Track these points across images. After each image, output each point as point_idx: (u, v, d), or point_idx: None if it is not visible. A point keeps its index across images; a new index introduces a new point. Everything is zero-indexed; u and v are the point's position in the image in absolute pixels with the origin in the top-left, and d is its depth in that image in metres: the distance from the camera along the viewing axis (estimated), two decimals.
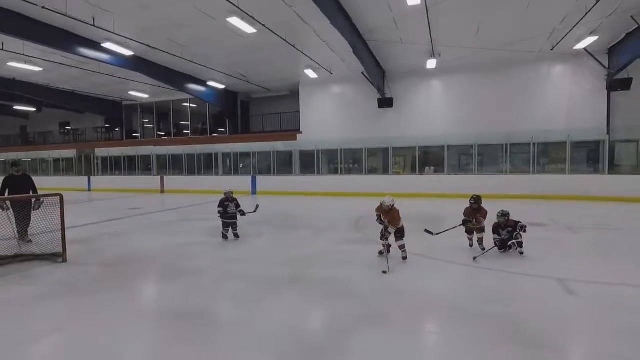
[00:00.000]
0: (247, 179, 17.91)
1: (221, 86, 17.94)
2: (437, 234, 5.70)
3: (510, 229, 5.58)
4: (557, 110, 13.93)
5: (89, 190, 21.51)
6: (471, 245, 5.96)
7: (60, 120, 25.89)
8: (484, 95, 14.82)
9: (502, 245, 5.60)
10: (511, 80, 14.49)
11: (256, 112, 20.72)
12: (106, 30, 10.93)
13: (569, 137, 13.37)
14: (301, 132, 17.87)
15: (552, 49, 12.76)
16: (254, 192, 17.82)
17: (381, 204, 5.30)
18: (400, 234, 5.32)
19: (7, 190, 6.70)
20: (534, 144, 13.89)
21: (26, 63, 14.16)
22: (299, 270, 5.06)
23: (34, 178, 7.05)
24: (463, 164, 15.60)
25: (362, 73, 16.01)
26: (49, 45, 11.54)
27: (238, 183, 17.71)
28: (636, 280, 4.46)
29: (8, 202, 6.16)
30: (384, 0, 9.68)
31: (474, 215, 5.74)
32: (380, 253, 5.47)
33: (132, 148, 21.67)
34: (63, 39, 11.68)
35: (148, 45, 12.40)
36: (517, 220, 5.57)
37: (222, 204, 6.68)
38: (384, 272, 4.75)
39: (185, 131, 21.81)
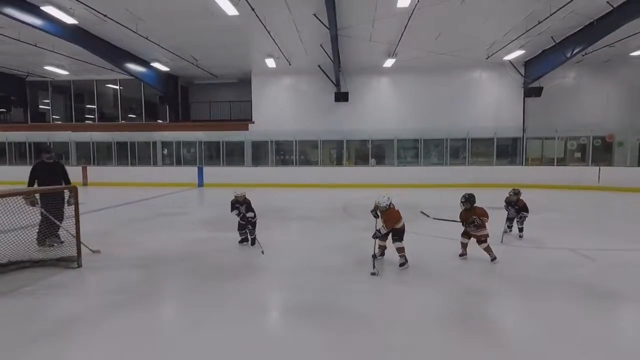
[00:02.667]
0: (192, 170, 16.82)
1: (165, 68, 16.40)
2: (435, 218, 5.79)
3: (517, 207, 6.17)
4: (487, 110, 16.39)
5: None
6: (461, 255, 5.17)
7: None
8: (429, 94, 16.59)
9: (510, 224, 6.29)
10: (452, 82, 16.52)
11: (197, 98, 19.41)
12: None
13: (496, 134, 15.92)
14: (253, 122, 17.44)
15: (486, 58, 14.97)
16: (200, 183, 16.83)
17: (376, 205, 4.81)
18: (398, 235, 4.77)
19: (36, 181, 5.48)
20: (469, 139, 16.17)
21: None
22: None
23: None
24: (410, 156, 17.24)
25: (319, 66, 16.51)
26: None
27: (181, 175, 16.60)
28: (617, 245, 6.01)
29: (37, 196, 5.02)
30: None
31: (469, 218, 4.95)
32: (374, 257, 4.79)
33: (42, 133, 18.32)
34: None
35: (100, 13, 10.75)
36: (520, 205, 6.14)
37: (233, 206, 5.72)
38: (373, 274, 4.48)
39: (106, 114, 19.22)
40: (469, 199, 5.03)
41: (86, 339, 2.95)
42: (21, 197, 4.76)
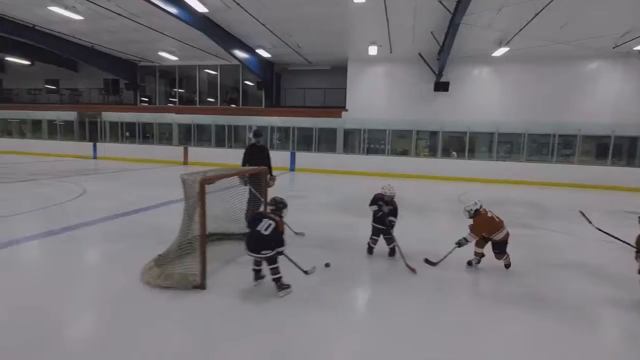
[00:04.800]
0: (285, 155, 17.34)
1: (267, 55, 16.91)
2: (598, 228, 4.26)
3: None
4: (604, 105, 15.06)
5: (95, 158, 19.44)
6: (470, 264, 4.59)
7: (47, 77, 22.79)
8: (537, 85, 15.55)
9: None
10: (566, 73, 15.33)
11: (289, 85, 19.83)
12: None
13: (613, 132, 14.63)
14: (347, 110, 17.52)
15: (614, 47, 13.68)
16: (292, 168, 17.35)
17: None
18: (499, 248, 4.38)
19: (247, 162, 6.01)
20: (580, 136, 15.03)
21: (67, 9, 12.25)
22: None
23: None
24: (511, 150, 16.45)
25: (420, 54, 16.11)
26: None
27: (275, 159, 17.00)
28: None
29: (247, 176, 5.47)
30: None
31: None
32: (469, 263, 4.58)
33: (150, 114, 19.83)
34: None
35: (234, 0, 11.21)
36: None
37: (375, 201, 4.88)
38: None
39: (209, 100, 20.35)
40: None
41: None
42: (236, 177, 5.18)
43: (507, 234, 4.31)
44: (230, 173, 4.97)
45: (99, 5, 12.06)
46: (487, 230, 4.28)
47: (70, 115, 20.89)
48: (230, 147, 18.65)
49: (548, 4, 10.27)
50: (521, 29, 12.34)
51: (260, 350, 2.60)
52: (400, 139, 17.54)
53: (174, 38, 15.17)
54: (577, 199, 11.20)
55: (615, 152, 15.00)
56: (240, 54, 15.93)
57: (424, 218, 7.89)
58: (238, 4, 11.45)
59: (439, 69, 15.60)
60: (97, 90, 21.58)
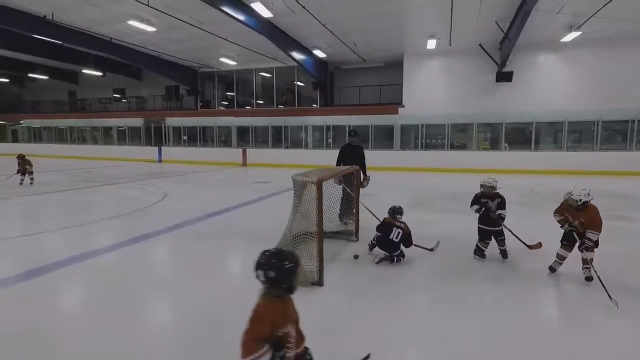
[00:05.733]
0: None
1: (323, 55, 17.21)
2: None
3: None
4: None
5: (160, 161, 20.70)
6: (554, 270, 4.10)
7: (115, 86, 24.58)
8: (612, 69, 14.59)
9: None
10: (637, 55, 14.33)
11: (343, 83, 20.03)
12: None
13: None
14: (403, 106, 17.40)
15: None
16: None
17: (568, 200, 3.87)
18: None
19: (342, 161, 6.28)
20: None
21: (143, 22, 13.19)
22: None
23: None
24: (582, 139, 15.62)
25: (480, 45, 15.69)
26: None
27: (332, 157, 17.29)
28: None
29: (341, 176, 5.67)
30: None
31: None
32: (551, 269, 4.12)
33: (209, 118, 20.81)
34: None
35: (298, 4, 11.52)
36: None
37: (478, 200, 4.54)
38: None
39: (265, 102, 21.03)
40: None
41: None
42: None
43: None
44: (333, 173, 5.13)
45: (173, 17, 12.86)
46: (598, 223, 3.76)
47: (137, 122, 22.35)
48: (287, 147, 19.13)
49: None
50: (597, 11, 11.69)
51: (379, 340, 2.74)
52: (459, 133, 17.14)
53: (236, 44, 15.81)
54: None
55: None
56: (297, 55, 16.30)
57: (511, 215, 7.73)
58: (303, 7, 11.71)
59: (501, 59, 15.12)
60: (160, 97, 22.97)
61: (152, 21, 13.33)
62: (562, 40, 14.01)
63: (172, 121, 21.57)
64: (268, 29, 13.57)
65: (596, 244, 3.74)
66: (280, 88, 20.44)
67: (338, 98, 20.01)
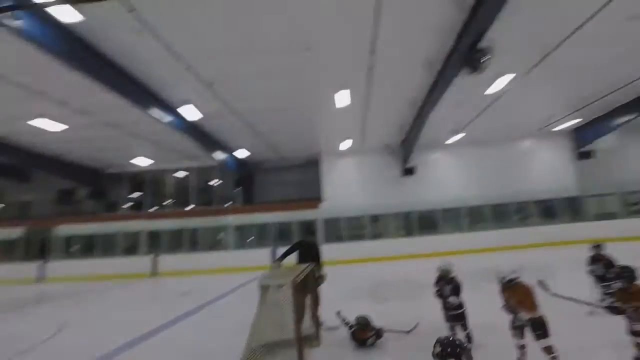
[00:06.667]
0: (265, 252, 17.00)
1: (246, 154, 17.62)
2: (555, 294, 3.99)
3: (604, 263, 5.64)
4: (545, 173, 17.90)
5: (41, 279, 17.02)
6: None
7: None
8: (490, 163, 18.17)
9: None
10: (511, 150, 18.42)
11: (264, 181, 20.40)
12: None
13: (556, 195, 17.10)
14: (324, 200, 18.29)
15: (545, 127, 16.79)
16: None
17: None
18: (540, 328, 3.59)
19: (298, 259, 6.04)
20: (534, 201, 17.20)
21: (53, 119, 11.99)
22: None
23: None
24: (477, 221, 18.07)
25: (387, 145, 18.08)
26: (129, 99, 10.14)
27: (254, 258, 16.71)
28: None
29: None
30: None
31: (626, 301, 3.52)
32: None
33: (114, 224, 18.55)
34: (143, 96, 10.59)
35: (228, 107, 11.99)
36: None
37: (436, 284, 4.80)
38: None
39: (176, 202, 19.86)
40: (621, 274, 3.60)
41: None
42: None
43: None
44: (301, 272, 4.94)
45: (87, 117, 12.08)
46: (532, 304, 3.68)
47: (14, 233, 18.69)
48: (206, 250, 17.86)
49: (493, 103, 12.74)
50: (471, 121, 14.81)
51: None
52: (375, 223, 18.37)
53: (155, 143, 15.30)
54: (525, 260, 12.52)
55: (561, 212, 17.27)
56: (220, 155, 16.43)
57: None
58: (232, 111, 12.25)
59: (404, 157, 17.51)
60: (50, 201, 19.95)
61: (62, 120, 12.24)
62: (450, 141, 17.13)
63: (65, 229, 18.60)
64: (194, 130, 13.61)
65: (539, 327, 3.52)
66: (198, 187, 19.82)
67: (259, 196, 20.13)
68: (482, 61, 7.31)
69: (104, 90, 9.15)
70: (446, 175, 18.33)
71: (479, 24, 6.95)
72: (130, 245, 18.50)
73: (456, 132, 16.27)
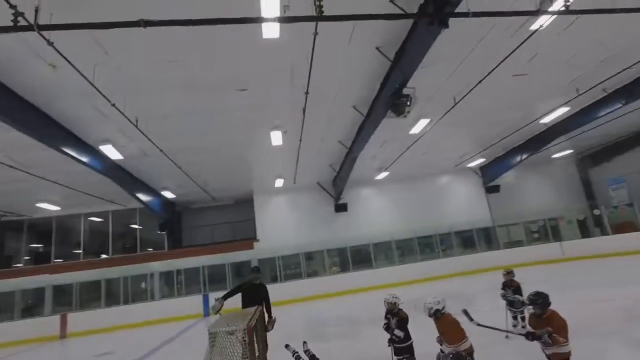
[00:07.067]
0: (196, 299, 15.85)
1: (172, 195, 16.60)
2: (479, 324, 4.09)
3: (513, 289, 6.46)
4: (462, 206, 19.59)
5: None
6: None
7: None
8: (415, 198, 19.43)
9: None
10: (433, 186, 20.03)
11: (193, 223, 19.26)
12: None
13: (473, 225, 18.80)
14: (258, 240, 17.79)
15: (456, 166, 18.65)
16: (206, 313, 15.73)
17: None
18: None
19: (243, 303, 5.64)
20: (453, 232, 18.66)
21: None
22: None
23: None
24: (407, 254, 18.94)
25: (318, 183, 18.45)
26: (33, 135, 8.99)
27: (184, 306, 15.48)
28: None
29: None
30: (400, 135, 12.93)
31: (539, 328, 3.59)
32: None
33: (9, 281, 15.79)
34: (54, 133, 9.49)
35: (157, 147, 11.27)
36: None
37: (385, 317, 4.90)
38: None
39: (92, 250, 17.72)
40: (535, 301, 3.64)
41: None
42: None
43: (471, 345, 3.86)
44: (252, 315, 4.70)
45: None
46: (460, 336, 3.80)
47: None
48: (128, 303, 16.00)
49: (414, 143, 13.91)
50: (397, 158, 15.89)
51: None
52: (310, 261, 18.28)
53: (66, 186, 13.71)
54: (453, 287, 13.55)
55: (477, 241, 18.95)
56: (143, 197, 15.28)
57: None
58: (161, 151, 11.54)
59: (337, 194, 17.99)
60: None
61: None
62: (377, 178, 18.09)
63: None
64: (114, 171, 12.55)
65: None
66: (117, 233, 18.00)
67: (188, 239, 18.91)
68: (406, 106, 8.01)
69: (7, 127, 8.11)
70: (376, 211, 19.15)
71: (403, 73, 7.68)
72: (31, 305, 15.87)
73: (383, 169, 17.28)
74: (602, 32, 8.17)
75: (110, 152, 10.96)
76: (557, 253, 17.14)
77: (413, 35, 6.88)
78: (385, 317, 4.80)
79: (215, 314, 5.16)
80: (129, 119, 8.54)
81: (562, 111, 12.47)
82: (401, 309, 4.80)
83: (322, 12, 5.27)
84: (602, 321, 6.47)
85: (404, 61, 7.50)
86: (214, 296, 15.77)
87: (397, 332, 4.53)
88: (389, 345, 4.64)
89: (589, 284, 10.76)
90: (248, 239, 18.02)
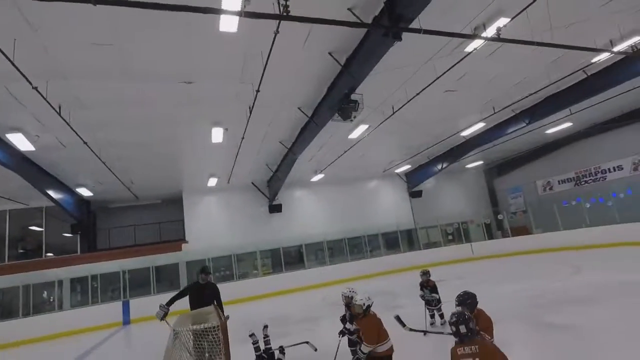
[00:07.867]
0: (114, 307, 14.49)
1: (88, 193, 14.88)
2: (412, 329, 4.22)
3: (429, 288, 7.06)
4: (389, 210, 20.83)
5: None
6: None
7: None
8: (346, 200, 20.11)
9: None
10: (363, 189, 20.89)
11: (112, 224, 17.43)
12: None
13: (398, 227, 20.15)
14: (187, 242, 16.82)
15: (383, 172, 19.83)
16: (126, 321, 14.46)
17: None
18: None
19: (191, 304, 5.24)
20: (380, 233, 19.77)
21: None
22: None
23: None
24: (339, 254, 19.51)
25: (252, 183, 18.14)
26: None
27: (100, 315, 14.05)
28: None
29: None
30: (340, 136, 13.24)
31: None
32: None
33: None
34: None
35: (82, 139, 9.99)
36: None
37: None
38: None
39: None
40: (464, 300, 3.61)
41: None
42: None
43: (392, 347, 3.86)
44: (215, 314, 4.55)
45: None
46: (379, 337, 3.79)
47: None
48: (29, 314, 13.90)
49: (350, 147, 14.49)
50: (331, 162, 16.35)
51: None
52: (242, 262, 17.84)
53: None
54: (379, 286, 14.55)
55: (402, 242, 20.37)
56: (54, 194, 13.49)
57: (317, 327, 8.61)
58: (85, 142, 10.25)
59: (271, 194, 17.86)
60: None
61: None
62: (311, 180, 18.39)
63: None
64: (21, 163, 10.88)
65: None
66: (15, 236, 15.55)
67: (106, 241, 17.10)
68: (353, 111, 8.35)
69: None
70: (310, 212, 19.46)
71: (353, 79, 8.02)
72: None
73: (319, 172, 17.63)
74: (519, 60, 9.48)
75: (20, 141, 9.52)
76: (468, 253, 19.16)
77: (365, 44, 7.23)
78: (344, 316, 4.93)
79: (161, 321, 4.82)
80: (52, 106, 7.53)
81: (479, 126, 14.06)
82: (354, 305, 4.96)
83: (289, 11, 5.29)
84: (513, 310, 7.44)
85: (354, 68, 7.83)
86: (136, 302, 14.70)
87: (348, 325, 4.67)
88: (340, 337, 4.77)
89: (496, 279, 12.20)
90: (176, 240, 16.94)
